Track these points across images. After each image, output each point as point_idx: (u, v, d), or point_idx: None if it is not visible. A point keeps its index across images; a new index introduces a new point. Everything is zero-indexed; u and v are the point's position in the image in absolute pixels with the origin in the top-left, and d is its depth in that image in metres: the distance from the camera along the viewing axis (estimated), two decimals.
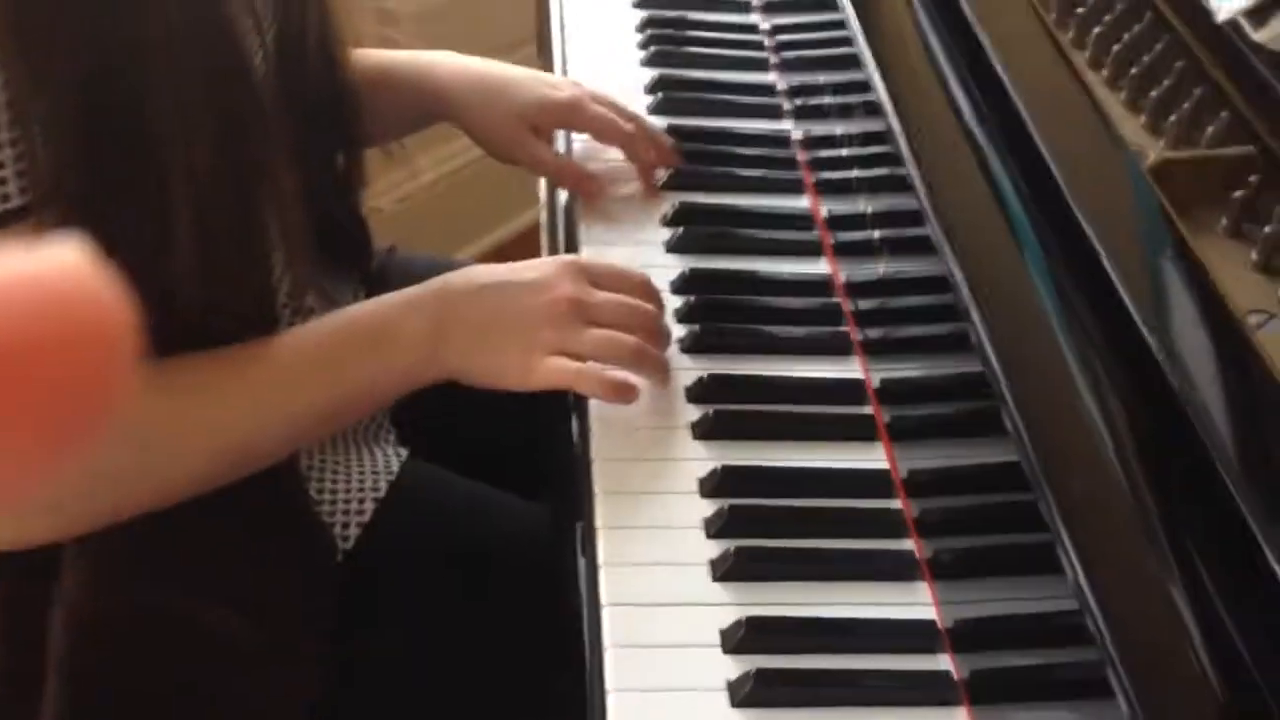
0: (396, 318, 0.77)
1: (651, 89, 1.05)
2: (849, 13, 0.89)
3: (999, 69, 0.74)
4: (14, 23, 0.64)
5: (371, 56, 0.96)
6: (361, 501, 0.88)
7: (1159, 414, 0.56)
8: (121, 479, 0.73)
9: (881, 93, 0.80)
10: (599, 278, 0.80)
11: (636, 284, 0.82)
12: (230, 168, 0.71)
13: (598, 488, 0.74)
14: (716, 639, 0.66)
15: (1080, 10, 0.78)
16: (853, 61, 0.87)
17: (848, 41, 0.89)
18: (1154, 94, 0.72)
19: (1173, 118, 0.70)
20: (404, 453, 0.93)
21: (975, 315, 0.64)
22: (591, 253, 0.90)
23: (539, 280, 0.78)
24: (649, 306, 0.81)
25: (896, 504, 0.74)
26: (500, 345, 0.76)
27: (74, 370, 0.23)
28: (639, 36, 1.10)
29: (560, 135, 1.00)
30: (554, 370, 0.76)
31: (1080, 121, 0.71)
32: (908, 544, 0.72)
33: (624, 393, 0.76)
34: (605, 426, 0.78)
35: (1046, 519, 0.56)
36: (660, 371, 0.80)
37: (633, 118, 0.97)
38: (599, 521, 0.72)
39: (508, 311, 0.77)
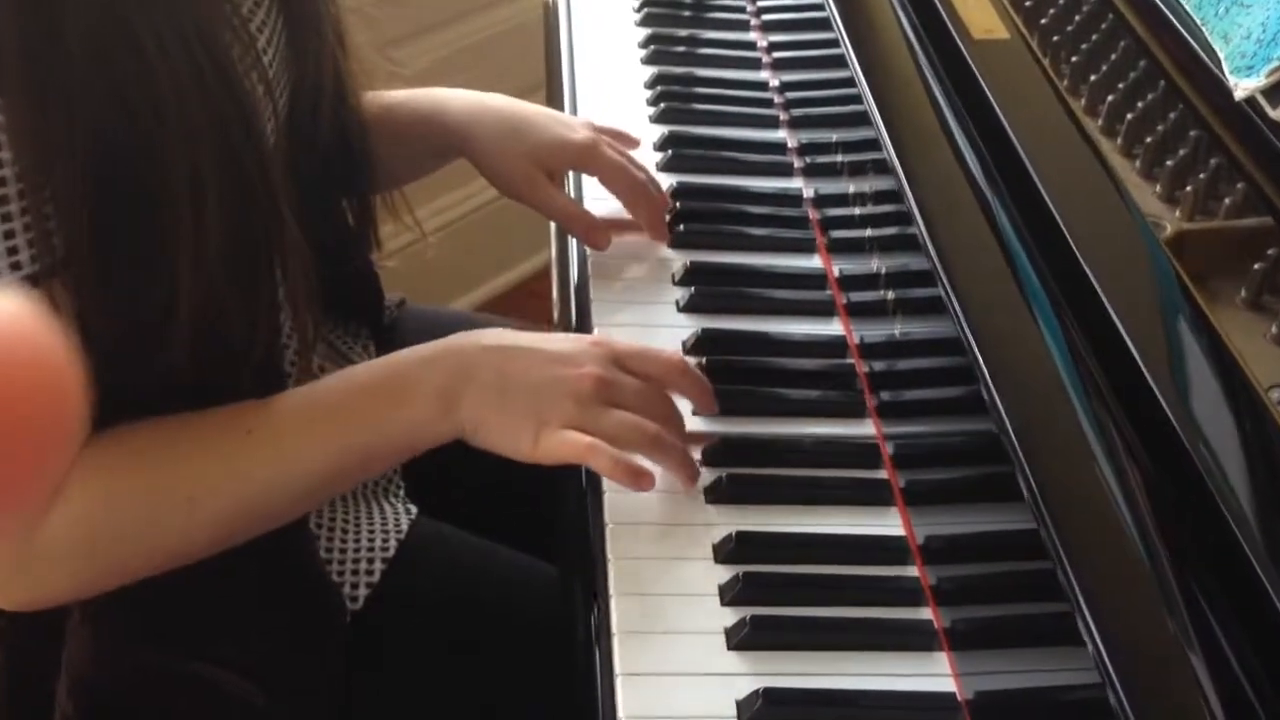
0: (410, 373, 0.76)
1: (661, 146, 1.04)
2: (857, 70, 0.89)
3: (1009, 131, 0.74)
4: (29, 95, 0.64)
5: (384, 96, 0.95)
6: (371, 562, 0.87)
7: (1179, 487, 0.56)
8: (124, 538, 0.72)
9: (891, 153, 0.80)
10: (627, 360, 0.78)
11: (670, 368, 0.79)
12: (237, 232, 0.71)
13: (610, 553, 0.73)
14: (733, 710, 0.66)
15: (1094, 78, 0.78)
16: (863, 119, 0.87)
17: (858, 99, 0.89)
18: (1169, 163, 0.72)
19: (1188, 188, 0.70)
20: (414, 510, 0.92)
21: (989, 382, 0.64)
22: (601, 309, 0.89)
23: (567, 354, 0.76)
24: (670, 399, 0.78)
25: (913, 571, 0.74)
26: (517, 410, 0.74)
27: (11, 423, 0.22)
28: (649, 93, 1.10)
29: (570, 175, 0.99)
30: (566, 443, 0.74)
31: (1095, 188, 0.71)
32: (925, 613, 0.71)
33: (637, 477, 0.74)
34: (617, 489, 0.77)
35: (1065, 589, 0.56)
36: (683, 465, 0.76)
37: (642, 168, 0.96)
38: (612, 588, 0.71)
39: (530, 377, 0.75)
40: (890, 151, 0.80)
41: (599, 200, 0.97)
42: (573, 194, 0.99)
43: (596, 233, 0.94)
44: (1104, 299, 0.61)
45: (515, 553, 0.91)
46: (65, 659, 0.79)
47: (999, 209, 0.70)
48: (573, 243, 0.96)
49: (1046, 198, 0.68)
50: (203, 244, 0.69)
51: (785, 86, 1.11)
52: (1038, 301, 0.64)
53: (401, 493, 0.94)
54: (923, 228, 0.73)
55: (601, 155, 0.94)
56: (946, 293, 0.69)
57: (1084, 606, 0.54)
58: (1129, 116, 0.75)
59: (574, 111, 1.07)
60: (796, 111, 1.07)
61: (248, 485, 0.74)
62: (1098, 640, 0.53)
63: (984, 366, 0.64)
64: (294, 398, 0.76)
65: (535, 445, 0.74)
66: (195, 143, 0.68)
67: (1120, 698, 0.52)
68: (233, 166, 0.70)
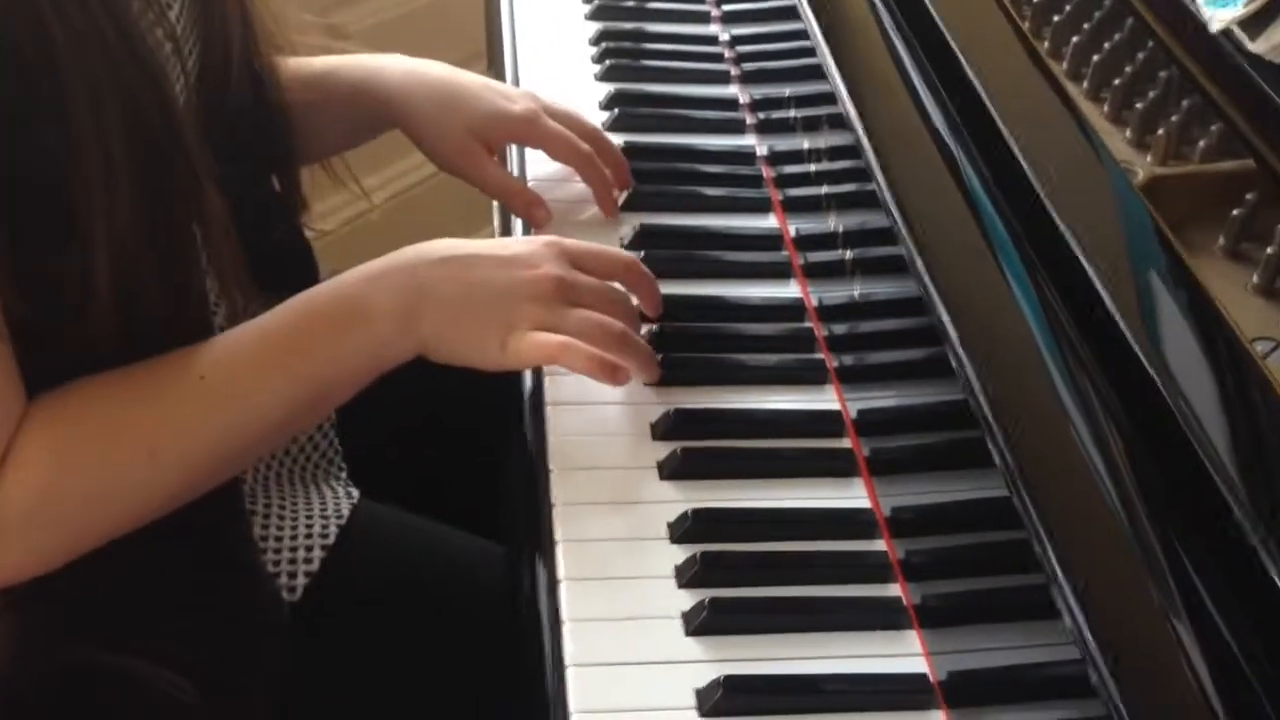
0: (362, 294, 0.73)
1: (607, 105, 1.01)
2: (811, 22, 0.85)
3: (972, 78, 0.70)
4: None
5: (315, 63, 0.91)
6: (310, 550, 0.83)
7: (1161, 448, 0.52)
8: (83, 499, 0.69)
9: (848, 105, 0.76)
10: (581, 259, 0.76)
11: (620, 264, 0.78)
12: (153, 199, 0.67)
13: (559, 535, 0.70)
14: (692, 700, 0.62)
15: (1057, 18, 0.74)
16: (818, 72, 0.84)
17: (811, 52, 0.85)
18: (1139, 106, 0.68)
19: (1161, 131, 0.66)
20: (356, 494, 0.88)
21: (957, 344, 0.61)
22: None
23: (522, 255, 0.74)
24: (631, 297, 0.77)
25: (880, 545, 0.70)
26: (480, 318, 0.72)
27: None
28: (593, 50, 1.06)
29: (513, 149, 0.95)
30: (537, 344, 0.71)
31: (1063, 134, 0.67)
32: (894, 589, 0.68)
33: (613, 371, 0.72)
34: (565, 468, 0.73)
35: (1042, 560, 0.52)
36: (648, 364, 0.76)
37: (592, 135, 0.92)
38: (561, 573, 0.68)
39: (490, 284, 0.73)
40: (847, 104, 0.77)
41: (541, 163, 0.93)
42: (516, 168, 0.95)
43: (535, 209, 0.90)
44: (1077, 251, 0.57)
45: (464, 535, 0.88)
46: None
47: (963, 160, 0.66)
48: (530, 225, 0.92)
49: (1013, 146, 0.65)
50: (116, 213, 0.65)
51: (736, 40, 1.07)
52: (1007, 256, 0.61)
53: (343, 474, 0.90)
54: (882, 182, 0.70)
55: (542, 127, 0.91)
56: (909, 250, 0.65)
57: (1060, 577, 0.51)
58: (1095, 58, 0.71)
59: (516, 72, 1.03)
60: (748, 66, 1.04)
61: (208, 431, 0.71)
62: (1076, 613, 0.50)
63: (951, 327, 0.60)
64: (243, 335, 0.73)
65: (504, 351, 0.72)
66: (100, 107, 0.64)
67: (1101, 673, 0.49)
68: (142, 130, 0.66)
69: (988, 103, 0.68)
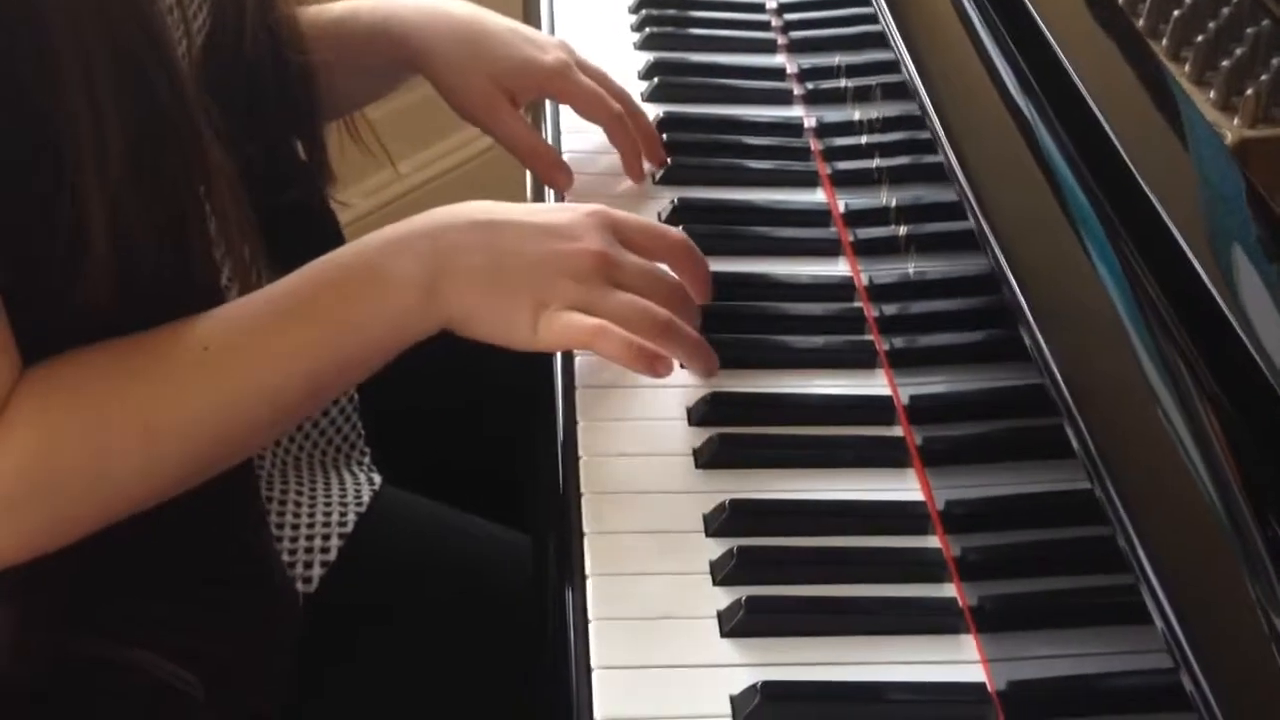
0: (383, 260, 0.67)
1: (646, 74, 0.96)
2: None
3: (1048, 36, 0.65)
4: None
5: (333, 9, 0.86)
6: (327, 539, 0.80)
7: (1263, 432, 0.47)
8: (73, 478, 0.64)
9: (910, 68, 0.71)
10: (628, 234, 0.70)
11: (672, 244, 0.72)
12: (149, 155, 0.63)
13: (587, 528, 0.65)
14: (727, 707, 0.58)
15: None
16: (873, 39, 0.79)
17: (866, 19, 0.80)
18: (1225, 65, 0.63)
19: (1250, 91, 0.61)
20: (378, 481, 0.84)
21: (1031, 320, 0.55)
22: None
23: (562, 225, 0.68)
24: (681, 283, 0.71)
25: (934, 541, 0.66)
26: (510, 292, 0.66)
27: None
28: (633, 18, 1.02)
29: (547, 108, 0.90)
30: (570, 326, 0.66)
31: (1146, 96, 0.62)
32: (948, 589, 0.63)
33: (652, 361, 0.66)
34: (594, 455, 0.69)
35: (1129, 558, 0.47)
36: (700, 354, 0.70)
37: (622, 97, 0.87)
38: (589, 568, 0.63)
39: (523, 254, 0.67)
40: (909, 65, 0.71)
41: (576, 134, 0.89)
42: (550, 134, 0.90)
43: (556, 171, 0.85)
44: (1166, 219, 0.52)
45: (490, 525, 0.85)
46: None
47: (1038, 122, 0.61)
48: (549, 190, 0.87)
49: (1093, 107, 0.60)
50: (107, 166, 0.61)
51: (784, 8, 1.02)
52: (1088, 225, 0.55)
53: (366, 459, 0.86)
54: (948, 148, 0.64)
55: (573, 81, 0.85)
56: (978, 222, 0.60)
57: (1151, 577, 0.45)
58: (1175, 13, 0.66)
59: (552, 31, 0.98)
60: (796, 34, 0.99)
61: (209, 406, 0.66)
62: (1169, 616, 0.44)
63: (1025, 304, 0.55)
64: (250, 303, 0.67)
65: (534, 331, 0.66)
66: (88, 54, 0.60)
67: (1199, 682, 0.43)
68: (135, 79, 0.62)
69: (1065, 62, 0.63)
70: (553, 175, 0.85)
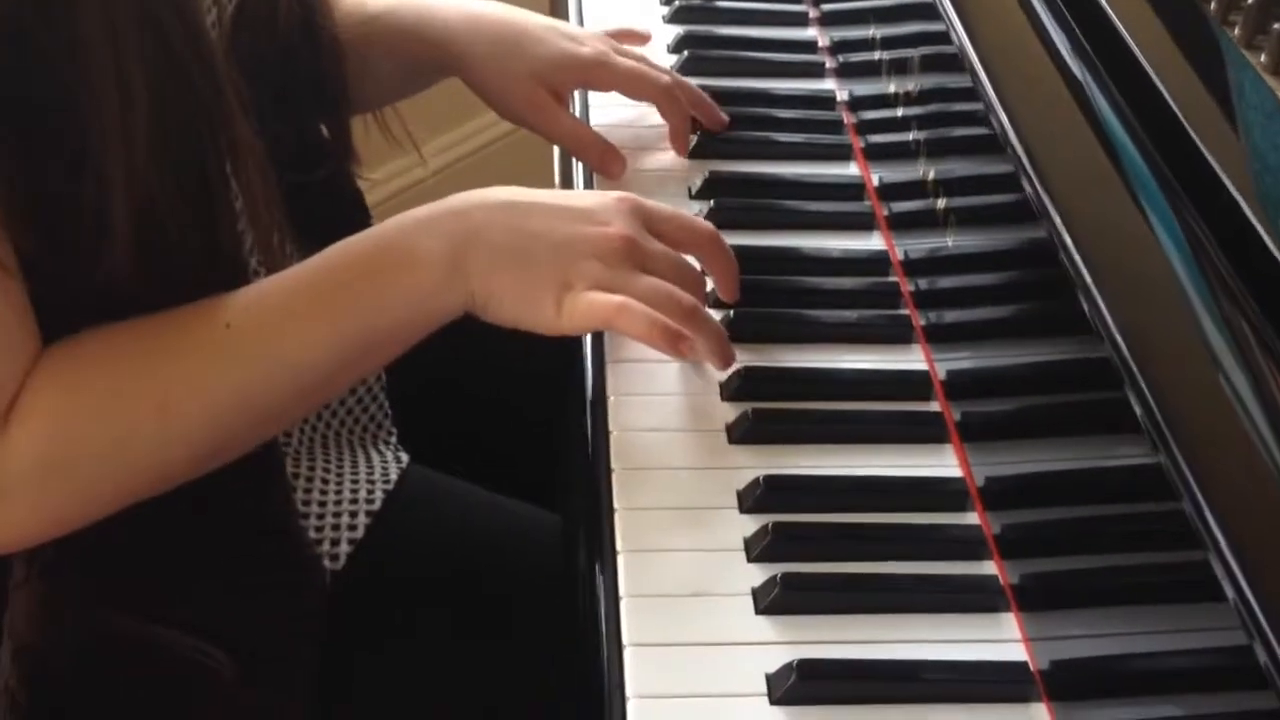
0: (408, 239, 0.66)
1: (676, 47, 0.95)
2: None
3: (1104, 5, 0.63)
4: None
5: (370, 4, 0.85)
6: (354, 515, 0.79)
7: None
8: (88, 457, 0.64)
9: (963, 37, 0.69)
10: (657, 223, 0.69)
11: (701, 235, 0.71)
12: (176, 130, 0.62)
13: (618, 504, 0.64)
14: (762, 686, 0.57)
15: None
16: (913, 11, 0.77)
17: None
18: (1276, 28, 0.61)
19: None
20: (405, 459, 0.83)
21: (1093, 289, 0.53)
22: None
23: (591, 209, 0.68)
24: (705, 278, 0.71)
25: (973, 518, 0.64)
26: (535, 273, 0.65)
27: None
28: None
29: (575, 97, 0.89)
30: (594, 304, 0.65)
31: (1202, 58, 0.60)
32: (988, 566, 0.62)
33: (675, 340, 0.65)
34: (626, 430, 0.67)
35: (1199, 532, 0.45)
36: (719, 345, 0.69)
37: (667, 73, 0.87)
38: (620, 544, 0.62)
39: (549, 236, 0.66)
40: (958, 30, 0.69)
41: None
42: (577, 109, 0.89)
43: (611, 160, 0.84)
44: (1227, 182, 0.50)
45: (518, 503, 0.83)
46: (7, 623, 0.71)
47: (1094, 88, 0.60)
48: (577, 171, 0.86)
49: (1146, 67, 0.58)
50: (133, 140, 0.60)
51: None
52: (1147, 191, 0.54)
53: (393, 438, 0.86)
54: (1003, 117, 0.63)
55: (615, 67, 0.84)
56: (1036, 192, 0.58)
57: (1224, 545, 0.43)
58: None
59: (580, 13, 0.97)
60: (829, 6, 0.97)
61: (228, 385, 0.65)
62: (1245, 590, 0.43)
63: (1087, 270, 0.53)
64: (275, 282, 0.67)
65: (558, 313, 0.65)
66: (115, 28, 0.59)
67: (1275, 653, 0.42)
68: (163, 53, 0.61)
69: (1119, 27, 0.61)
70: (606, 163, 0.84)
